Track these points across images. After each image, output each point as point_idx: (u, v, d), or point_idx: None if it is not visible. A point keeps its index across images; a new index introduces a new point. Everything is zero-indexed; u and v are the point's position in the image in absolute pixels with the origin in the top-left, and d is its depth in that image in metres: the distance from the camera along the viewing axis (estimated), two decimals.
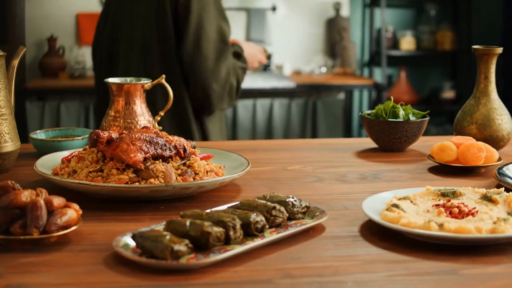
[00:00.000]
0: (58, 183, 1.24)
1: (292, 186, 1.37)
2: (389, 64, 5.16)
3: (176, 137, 1.33)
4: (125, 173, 1.23)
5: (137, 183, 1.21)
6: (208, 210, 1.08)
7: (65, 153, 1.41)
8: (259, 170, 1.48)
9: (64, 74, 4.66)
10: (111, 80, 1.57)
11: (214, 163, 1.40)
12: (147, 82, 1.56)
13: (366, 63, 5.38)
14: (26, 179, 1.37)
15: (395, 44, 5.17)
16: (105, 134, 1.27)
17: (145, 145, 1.25)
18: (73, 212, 1.04)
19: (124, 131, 1.40)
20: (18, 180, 1.36)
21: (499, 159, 1.48)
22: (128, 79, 1.58)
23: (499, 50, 1.59)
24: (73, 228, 1.03)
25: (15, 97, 4.92)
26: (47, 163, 1.37)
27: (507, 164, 1.42)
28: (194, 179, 1.27)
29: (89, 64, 4.88)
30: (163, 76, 1.57)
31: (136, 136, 1.26)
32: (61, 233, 1.01)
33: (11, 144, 1.43)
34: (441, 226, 1.02)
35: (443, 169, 1.49)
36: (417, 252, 0.99)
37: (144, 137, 1.27)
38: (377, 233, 1.07)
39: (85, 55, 4.91)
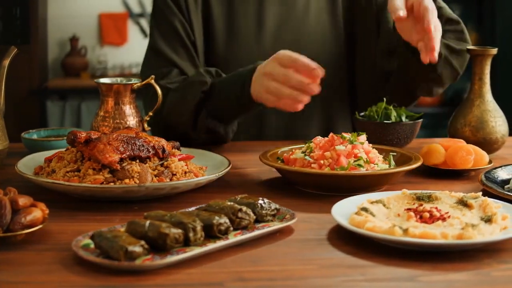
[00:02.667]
0: (35, 182, 1.25)
1: (274, 187, 1.36)
2: None
3: (156, 138, 1.33)
4: (101, 173, 1.23)
5: (112, 184, 1.21)
6: (175, 212, 1.07)
7: (50, 153, 1.42)
8: (246, 171, 1.47)
9: (86, 74, 4.72)
10: (101, 80, 1.57)
11: (198, 164, 1.40)
12: (136, 82, 1.56)
13: None
14: (12, 178, 1.39)
15: None
16: (82, 134, 1.27)
17: (122, 146, 1.25)
18: (38, 211, 1.05)
19: (106, 132, 1.41)
20: (3, 179, 1.39)
21: (490, 162, 1.45)
22: (119, 79, 1.59)
23: (494, 51, 1.56)
24: (38, 227, 1.03)
25: (36, 97, 4.96)
26: (33, 163, 1.38)
27: (496, 167, 1.39)
28: (171, 180, 1.27)
29: (111, 63, 4.93)
30: (153, 76, 1.57)
31: (114, 136, 1.27)
32: (24, 232, 1.02)
33: None
34: (405, 231, 1.00)
35: (431, 172, 1.46)
36: (380, 257, 0.98)
37: (122, 137, 1.27)
38: (344, 237, 1.05)
39: (107, 55, 4.96)
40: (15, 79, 4.44)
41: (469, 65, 1.62)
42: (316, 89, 1.39)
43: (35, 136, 1.62)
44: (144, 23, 5.10)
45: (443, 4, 1.75)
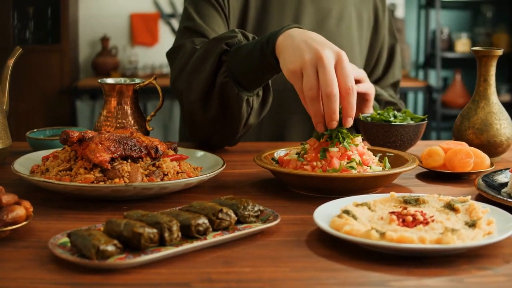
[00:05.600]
0: (27, 180, 1.26)
1: (267, 189, 1.35)
2: (444, 66, 5.03)
3: (150, 138, 1.33)
4: (92, 172, 1.24)
5: (102, 183, 1.22)
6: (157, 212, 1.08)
7: (48, 152, 1.44)
8: (243, 172, 1.47)
9: (116, 73, 4.77)
10: (104, 80, 1.59)
11: (194, 164, 1.40)
12: (139, 83, 1.57)
13: (421, 65, 5.27)
14: (10, 176, 1.41)
15: (450, 46, 5.04)
16: (75, 134, 1.28)
17: (114, 145, 1.26)
18: (22, 209, 1.06)
19: (102, 131, 1.42)
20: (2, 177, 1.42)
21: (491, 165, 1.42)
22: (122, 80, 1.60)
23: (499, 52, 1.53)
24: (20, 225, 1.04)
25: (67, 96, 5.02)
26: (30, 162, 1.40)
27: (496, 171, 1.36)
28: (162, 180, 1.27)
29: (142, 64, 4.98)
30: (155, 76, 1.58)
31: (106, 136, 1.28)
32: (7, 229, 1.03)
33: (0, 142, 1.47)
34: (383, 235, 0.98)
35: (431, 175, 1.44)
36: (355, 261, 0.96)
37: (114, 137, 1.28)
38: (324, 240, 1.04)
39: (138, 55, 5.01)
40: (46, 78, 4.52)
41: (474, 66, 1.59)
42: (321, 128, 1.28)
43: (39, 136, 1.64)
44: (175, 23, 5.13)
45: (381, 92, 1.92)
